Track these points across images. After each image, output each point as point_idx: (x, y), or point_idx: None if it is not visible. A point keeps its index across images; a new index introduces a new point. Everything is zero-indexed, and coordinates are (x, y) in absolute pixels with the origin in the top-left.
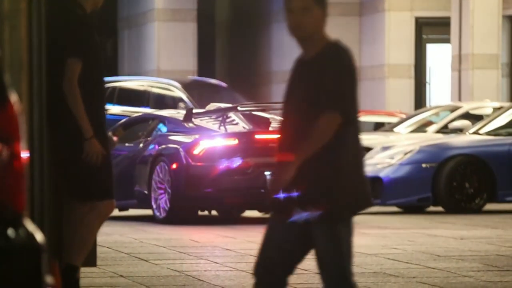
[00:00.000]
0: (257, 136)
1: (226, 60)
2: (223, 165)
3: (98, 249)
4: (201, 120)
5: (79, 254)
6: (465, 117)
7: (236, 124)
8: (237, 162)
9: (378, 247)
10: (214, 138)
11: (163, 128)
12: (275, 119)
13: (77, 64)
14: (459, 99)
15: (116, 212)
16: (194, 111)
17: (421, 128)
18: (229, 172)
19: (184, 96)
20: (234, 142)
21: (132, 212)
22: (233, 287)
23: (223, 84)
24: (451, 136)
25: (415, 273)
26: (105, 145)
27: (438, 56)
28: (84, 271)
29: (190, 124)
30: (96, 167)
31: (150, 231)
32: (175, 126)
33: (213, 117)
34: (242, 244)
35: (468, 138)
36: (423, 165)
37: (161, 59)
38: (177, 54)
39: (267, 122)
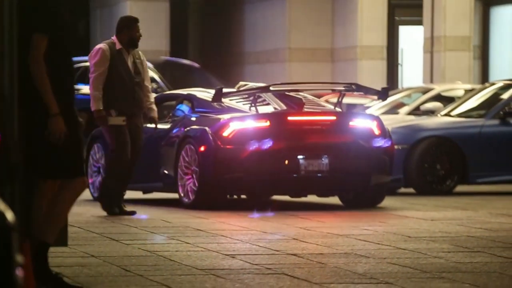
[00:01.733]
0: (290, 118)
1: (199, 41)
2: (253, 147)
3: (69, 229)
4: (230, 100)
5: (52, 232)
6: (437, 99)
7: (268, 104)
8: (267, 144)
9: (349, 228)
10: (245, 120)
11: (185, 108)
12: (308, 99)
13: (43, 40)
14: (431, 81)
15: (140, 195)
16: (224, 90)
17: (393, 109)
18: (260, 156)
19: (156, 77)
20: (265, 123)
21: (156, 195)
22: (204, 267)
23: (196, 65)
24: (422, 118)
25: (386, 254)
26: (74, 123)
27: (411, 38)
28: (55, 250)
29: (220, 105)
30: (66, 144)
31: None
32: (203, 106)
33: (243, 97)
34: (214, 224)
35: (440, 120)
36: (395, 147)
37: None
38: (150, 34)
39: (300, 102)
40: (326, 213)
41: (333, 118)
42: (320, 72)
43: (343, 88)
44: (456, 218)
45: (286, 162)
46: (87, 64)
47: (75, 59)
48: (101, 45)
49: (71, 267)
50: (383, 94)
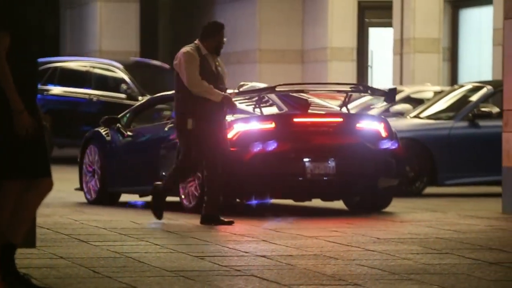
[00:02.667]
0: (296, 119)
1: (169, 42)
2: (257, 150)
3: (38, 230)
4: (234, 101)
5: (18, 233)
6: (406, 100)
7: (272, 105)
8: (272, 146)
9: (318, 229)
10: (249, 121)
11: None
12: (314, 101)
13: (3, 38)
14: (401, 83)
15: (136, 197)
16: (228, 91)
17: (363, 111)
18: (265, 158)
19: (126, 77)
20: (270, 125)
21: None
22: (173, 269)
23: (166, 66)
24: (392, 120)
25: (355, 256)
26: (38, 123)
27: (380, 39)
28: (23, 252)
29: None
30: (31, 144)
31: (90, 213)
32: None
33: (247, 98)
34: (183, 225)
35: (409, 122)
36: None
37: (103, 40)
38: (120, 35)
39: (306, 104)
40: (295, 214)
41: (340, 119)
42: (291, 73)
43: (350, 89)
44: (425, 219)
45: (292, 165)
46: (57, 64)
47: (45, 59)
48: (187, 48)
49: (39, 269)
50: (390, 96)
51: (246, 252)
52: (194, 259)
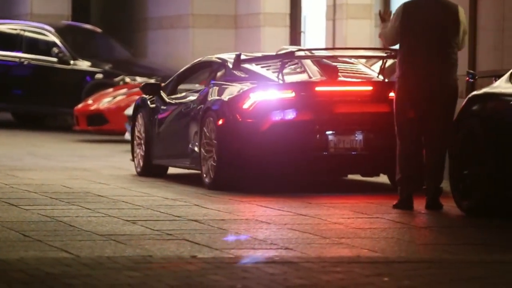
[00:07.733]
0: (318, 88)
1: (101, 5)
2: (275, 121)
3: None
4: (261, 67)
5: None
6: None
7: (302, 72)
8: (292, 117)
9: (251, 194)
10: (267, 90)
11: (217, 76)
12: (349, 63)
13: None
14: None
15: (172, 170)
16: (243, 56)
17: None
18: (283, 131)
19: (57, 41)
20: (290, 94)
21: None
22: (105, 233)
23: (98, 30)
24: None
25: (287, 220)
26: None
27: (313, 5)
28: None
29: (240, 72)
30: None
31: (21, 177)
32: (229, 73)
33: (271, 63)
34: (115, 190)
35: None
36: None
37: (34, 3)
38: None
39: (334, 70)
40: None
41: (369, 88)
42: (224, 39)
43: (385, 54)
44: (357, 185)
45: (313, 138)
46: None
47: None
48: None
49: None
50: None
51: (178, 217)
52: (126, 223)
